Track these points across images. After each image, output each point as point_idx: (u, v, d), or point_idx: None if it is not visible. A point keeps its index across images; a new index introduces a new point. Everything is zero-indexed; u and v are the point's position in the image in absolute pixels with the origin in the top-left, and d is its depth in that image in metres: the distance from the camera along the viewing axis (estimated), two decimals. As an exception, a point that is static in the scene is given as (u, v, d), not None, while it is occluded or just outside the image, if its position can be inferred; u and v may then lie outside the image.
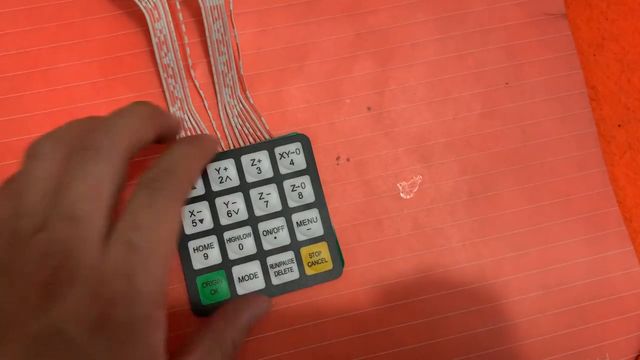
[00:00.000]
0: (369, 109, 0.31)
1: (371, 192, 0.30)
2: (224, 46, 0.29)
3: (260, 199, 0.29)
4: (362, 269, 0.29)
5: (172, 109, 0.29)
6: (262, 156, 0.29)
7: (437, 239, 0.30)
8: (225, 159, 0.29)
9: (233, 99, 0.30)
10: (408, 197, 0.30)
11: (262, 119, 0.30)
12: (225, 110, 0.30)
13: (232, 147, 0.29)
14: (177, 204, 0.22)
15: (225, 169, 0.29)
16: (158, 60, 0.28)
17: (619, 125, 0.32)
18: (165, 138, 0.26)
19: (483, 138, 0.31)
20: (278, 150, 0.29)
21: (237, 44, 0.29)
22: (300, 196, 0.29)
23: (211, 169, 0.29)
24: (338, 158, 0.30)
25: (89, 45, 0.30)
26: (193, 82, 0.30)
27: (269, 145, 0.29)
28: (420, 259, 0.30)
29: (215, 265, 0.28)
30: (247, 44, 0.30)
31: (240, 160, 0.29)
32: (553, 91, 0.31)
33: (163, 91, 0.30)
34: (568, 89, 0.31)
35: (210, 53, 0.29)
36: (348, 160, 0.30)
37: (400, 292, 0.29)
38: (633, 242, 0.31)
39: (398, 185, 0.30)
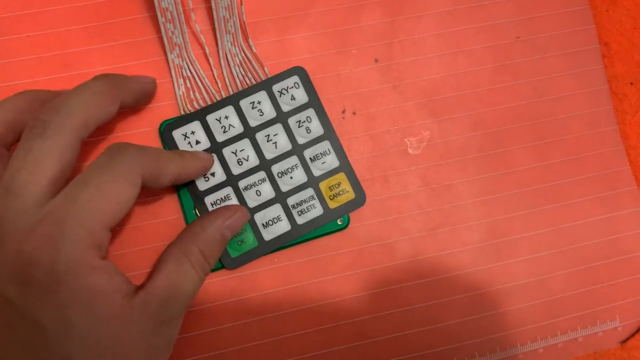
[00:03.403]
0: (376, 60, 0.29)
1: (378, 147, 0.29)
2: (225, -10, 0.27)
3: (268, 141, 0.27)
4: (367, 226, 0.28)
5: (170, 56, 0.28)
6: (261, 97, 0.27)
7: (446, 196, 0.29)
8: (224, 107, 0.27)
9: (235, 46, 0.28)
10: (416, 152, 0.29)
11: (265, 68, 0.28)
12: (227, 58, 0.28)
13: (231, 94, 0.28)
14: (132, 170, 0.21)
15: (227, 117, 0.27)
16: (156, 4, 0.26)
17: (631, 83, 0.31)
18: (138, 102, 0.27)
19: (494, 93, 0.30)
20: (276, 87, 0.28)
21: (239, -12, 0.27)
22: (308, 131, 0.28)
23: (212, 120, 0.27)
24: (344, 111, 0.29)
25: (81, -13, 0.28)
26: (193, 27, 0.28)
27: (266, 84, 0.28)
28: (428, 217, 0.29)
29: None
30: (249, -11, 0.29)
31: (239, 106, 0.27)
32: (565, 46, 0.30)
33: (161, 37, 0.28)
34: (580, 44, 0.31)
35: (211, -3, 0.27)
36: (354, 113, 0.29)
37: (406, 250, 0.28)
38: (644, 201, 0.30)
39: (406, 140, 0.29)
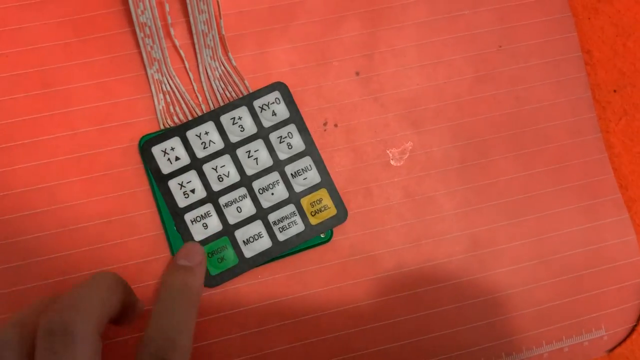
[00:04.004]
0: (357, 73, 0.29)
1: (360, 159, 0.29)
2: (203, 4, 0.27)
3: (249, 157, 0.27)
4: (351, 238, 0.28)
5: (149, 71, 0.28)
6: (242, 112, 0.27)
7: (429, 207, 0.29)
8: (205, 122, 0.27)
9: (214, 60, 0.28)
10: (398, 164, 0.29)
11: (246, 82, 0.28)
12: (207, 72, 0.28)
13: (211, 108, 0.28)
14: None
15: (207, 133, 0.27)
16: (134, 19, 0.26)
17: (615, 91, 0.31)
18: (124, 316, 0.24)
19: (475, 103, 0.30)
20: (257, 103, 0.27)
21: (217, 1, 0.27)
22: (290, 146, 0.27)
23: (192, 136, 0.27)
24: (325, 124, 0.29)
25: (59, 3, 0.28)
26: (172, 42, 0.28)
27: (247, 100, 0.27)
28: (411, 228, 0.29)
29: (216, 233, 0.27)
30: (228, 3, 0.29)
31: (220, 121, 0.27)
32: (547, 55, 0.30)
33: (140, 52, 0.28)
34: (562, 52, 0.30)
35: (190, 11, 0.27)
36: (336, 126, 0.29)
37: (390, 263, 0.28)
38: (629, 210, 0.30)
39: (388, 152, 0.29)
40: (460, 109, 0.29)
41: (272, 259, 0.27)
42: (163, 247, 0.27)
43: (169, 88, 0.28)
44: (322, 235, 0.28)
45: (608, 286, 0.29)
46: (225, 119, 0.27)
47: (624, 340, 0.29)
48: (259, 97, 0.27)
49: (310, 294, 0.28)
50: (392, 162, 0.29)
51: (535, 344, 0.29)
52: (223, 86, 0.28)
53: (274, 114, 0.28)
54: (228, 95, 0.28)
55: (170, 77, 0.28)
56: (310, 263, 0.28)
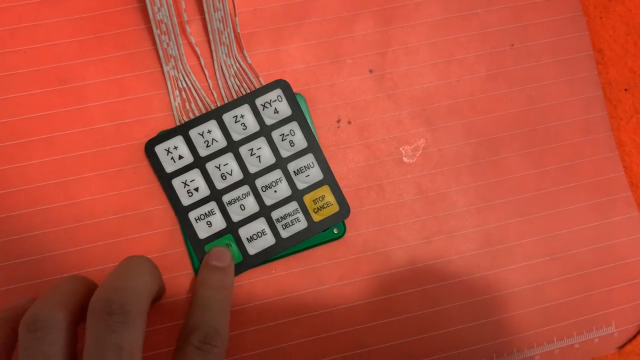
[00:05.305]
0: (370, 71, 0.29)
1: (373, 156, 0.29)
2: (219, 2, 0.27)
3: (251, 155, 0.27)
4: (363, 235, 0.28)
5: (165, 68, 0.28)
6: (244, 110, 0.28)
7: (441, 204, 0.29)
8: (207, 121, 0.27)
9: (230, 58, 0.29)
10: (411, 161, 0.29)
11: (261, 79, 0.28)
12: (222, 69, 0.28)
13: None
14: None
15: (209, 131, 0.27)
16: (151, 16, 0.27)
17: (626, 89, 0.31)
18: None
19: (488, 101, 0.30)
20: (259, 101, 0.28)
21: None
22: (292, 144, 0.28)
23: (195, 134, 0.27)
24: (339, 121, 0.29)
25: (76, 0, 0.28)
26: (188, 39, 0.28)
27: (249, 98, 0.28)
28: (423, 225, 0.29)
29: (220, 230, 0.27)
30: (243, 0, 0.29)
31: (222, 120, 0.27)
32: (559, 53, 0.31)
33: (156, 49, 0.28)
34: (574, 51, 0.31)
35: (205, 9, 0.27)
36: (349, 123, 0.29)
37: (403, 259, 0.28)
38: (639, 207, 0.30)
39: (401, 149, 0.29)
40: (473, 107, 0.30)
41: (277, 257, 0.28)
42: (178, 242, 0.27)
43: (184, 85, 0.28)
44: (335, 232, 0.28)
45: (618, 283, 0.29)
46: (227, 117, 0.27)
47: (634, 337, 0.29)
48: (260, 95, 0.28)
49: (323, 289, 0.28)
50: (405, 159, 0.29)
51: (547, 340, 0.29)
52: (238, 83, 0.28)
53: (276, 111, 0.28)
54: (243, 92, 0.28)
55: (186, 74, 0.28)
56: (324, 259, 0.28)
